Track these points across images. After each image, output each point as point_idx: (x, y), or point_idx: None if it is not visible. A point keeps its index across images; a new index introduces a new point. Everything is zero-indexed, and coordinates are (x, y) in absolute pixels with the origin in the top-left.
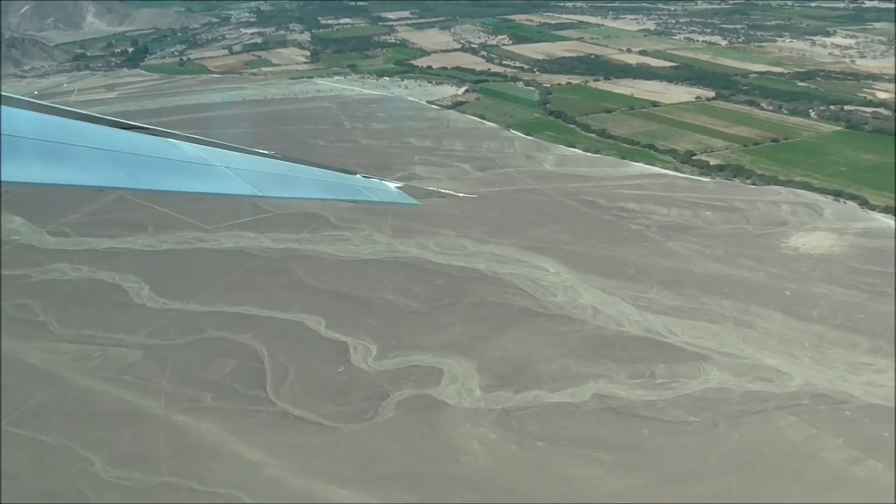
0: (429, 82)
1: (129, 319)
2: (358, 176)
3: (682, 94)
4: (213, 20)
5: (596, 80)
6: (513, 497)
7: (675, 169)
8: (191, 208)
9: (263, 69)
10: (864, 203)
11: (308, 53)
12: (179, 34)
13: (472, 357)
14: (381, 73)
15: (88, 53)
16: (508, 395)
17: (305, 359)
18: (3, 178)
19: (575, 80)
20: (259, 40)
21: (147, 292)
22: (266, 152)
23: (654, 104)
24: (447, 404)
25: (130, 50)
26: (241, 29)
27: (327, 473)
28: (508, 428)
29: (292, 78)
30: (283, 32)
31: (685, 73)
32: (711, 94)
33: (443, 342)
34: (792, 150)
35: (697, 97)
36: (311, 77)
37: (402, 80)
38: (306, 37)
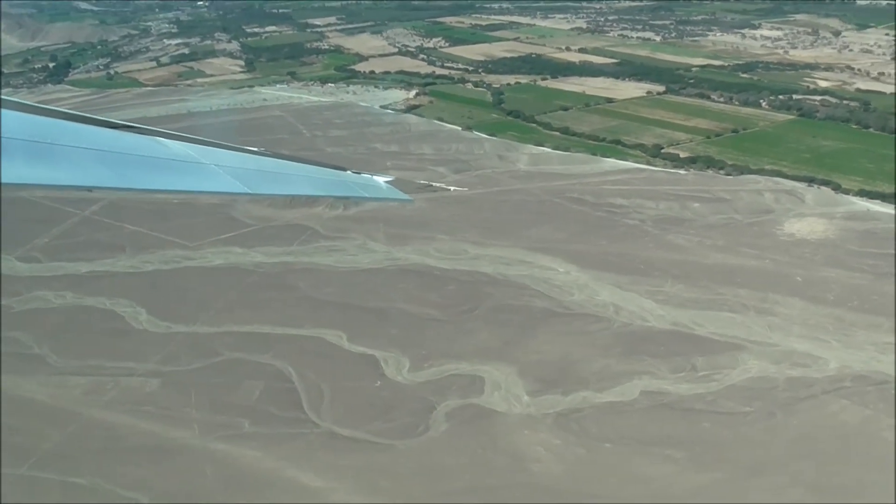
0: (375, 87)
1: (133, 346)
2: (348, 172)
3: (631, 89)
4: (132, 32)
5: (544, 79)
6: (597, 501)
7: (648, 163)
8: (165, 226)
9: (198, 80)
10: (837, 188)
11: (242, 63)
12: (99, 47)
13: (509, 362)
14: (324, 80)
15: (5, 70)
16: (558, 399)
17: (337, 375)
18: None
19: (522, 79)
20: (186, 51)
21: (145, 316)
22: (255, 149)
23: (609, 100)
24: (498, 412)
25: (51, 65)
26: (164, 40)
27: (398, 494)
28: (569, 431)
29: (232, 88)
30: (209, 42)
31: (628, 69)
32: (661, 88)
33: (474, 349)
34: (753, 140)
35: (648, 92)
36: (252, 86)
37: (348, 85)
38: (235, 46)
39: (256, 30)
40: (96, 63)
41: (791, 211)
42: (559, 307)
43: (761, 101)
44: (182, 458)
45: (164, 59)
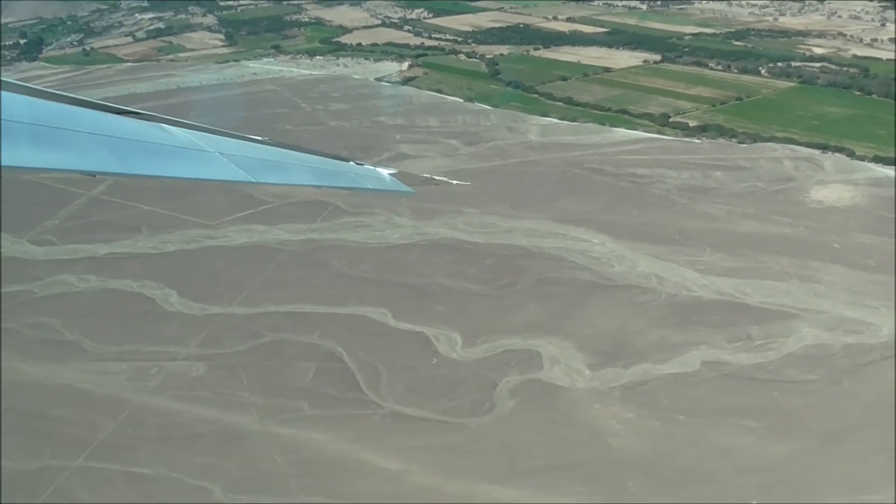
0: (366, 59)
1: (170, 330)
2: (351, 163)
3: (627, 58)
4: (102, 7)
5: (536, 49)
6: (684, 476)
7: (658, 132)
8: (179, 205)
9: (180, 55)
10: (851, 154)
11: (222, 37)
12: (69, 23)
13: (563, 336)
14: (311, 53)
15: None
16: (620, 372)
17: (389, 354)
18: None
19: (515, 49)
20: (162, 25)
21: (176, 298)
22: (259, 138)
23: (606, 70)
24: (562, 387)
25: (23, 42)
26: (136, 14)
27: (479, 473)
28: (640, 404)
29: (217, 62)
30: (184, 16)
31: (620, 38)
32: (657, 57)
33: (524, 323)
34: (759, 108)
35: (644, 61)
36: (238, 60)
37: (338, 58)
38: (211, 19)
39: (231, 2)
40: (69, 39)
41: (812, 178)
42: (602, 279)
43: (760, 68)
44: (247, 443)
45: (140, 35)
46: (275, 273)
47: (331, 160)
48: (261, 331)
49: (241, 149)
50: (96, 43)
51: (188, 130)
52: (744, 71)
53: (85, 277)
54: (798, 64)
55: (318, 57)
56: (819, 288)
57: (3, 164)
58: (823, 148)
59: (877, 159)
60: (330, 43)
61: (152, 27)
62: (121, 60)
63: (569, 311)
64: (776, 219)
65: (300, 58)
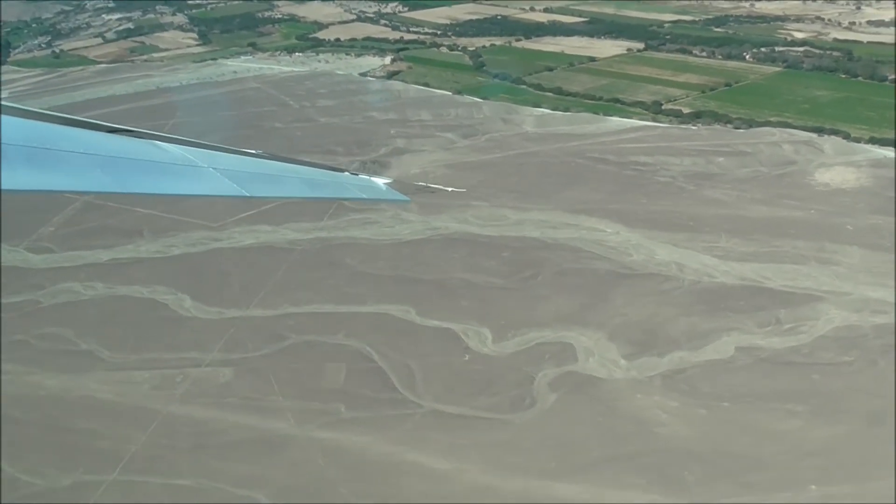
0: (346, 55)
1: (189, 336)
2: (346, 173)
3: (610, 47)
4: (66, 8)
5: (518, 41)
6: (740, 463)
7: (653, 120)
8: (178, 207)
9: (154, 55)
10: (847, 137)
11: (195, 36)
12: (34, 25)
13: (593, 327)
14: (290, 50)
15: None
16: (655, 361)
17: (420, 352)
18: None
19: (496, 41)
20: (131, 26)
21: (190, 303)
22: (253, 151)
23: (591, 59)
24: (600, 378)
25: None
26: (103, 15)
27: (532, 469)
28: (682, 393)
29: (195, 62)
30: (152, 16)
31: (601, 27)
32: (640, 45)
33: (552, 316)
34: (748, 93)
35: (628, 49)
36: (215, 59)
37: (317, 54)
38: (182, 18)
39: (200, 1)
40: (36, 42)
41: (812, 161)
42: (622, 268)
43: (745, 54)
44: (288, 449)
45: (110, 35)
46: (288, 274)
47: (326, 171)
48: (284, 333)
49: (235, 163)
50: (65, 45)
51: (181, 147)
52: (728, 57)
53: (91, 285)
54: (782, 49)
55: (297, 54)
56: (839, 270)
57: (2, 187)
58: (819, 131)
59: (873, 141)
60: (307, 39)
61: (121, 28)
62: (93, 62)
63: (595, 301)
64: (785, 202)
65: (279, 55)
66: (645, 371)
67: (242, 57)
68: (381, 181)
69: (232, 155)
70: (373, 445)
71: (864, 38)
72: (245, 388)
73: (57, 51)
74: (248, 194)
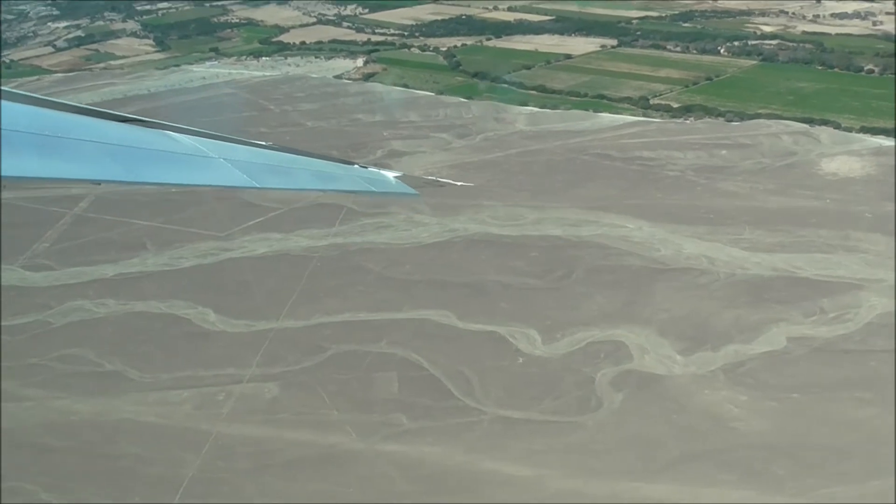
0: (315, 58)
1: (220, 351)
2: (356, 166)
3: (583, 44)
4: (8, 17)
5: (488, 40)
6: (825, 454)
7: (644, 115)
8: (178, 217)
9: (112, 63)
10: (838, 127)
11: (151, 42)
12: None
13: (640, 323)
14: (255, 54)
15: None
16: (711, 355)
17: (470, 357)
18: (2, 173)
19: (467, 41)
20: (81, 34)
21: (214, 316)
22: (263, 143)
23: (567, 56)
24: (660, 375)
25: None
26: (49, 24)
27: (616, 471)
28: (748, 386)
29: (158, 68)
30: (102, 23)
31: (568, 24)
32: (613, 42)
33: (596, 314)
34: (731, 87)
35: (602, 46)
36: (178, 65)
37: (286, 58)
38: (133, 25)
39: (148, 6)
40: None
41: (812, 151)
42: (654, 263)
43: (719, 48)
44: (355, 465)
45: (61, 44)
46: (312, 282)
47: (335, 163)
48: (322, 344)
49: (246, 154)
50: (15, 55)
51: (192, 137)
52: (703, 51)
53: (102, 302)
54: (754, 42)
55: (264, 58)
56: (868, 258)
57: (9, 174)
58: (809, 122)
59: (864, 130)
60: (270, 43)
61: (71, 36)
62: (47, 72)
63: (635, 297)
64: (799, 192)
65: (244, 59)
66: (704, 366)
67: (207, 63)
68: (390, 174)
69: (243, 146)
70: (446, 456)
71: (832, 30)
72: (295, 403)
73: (6, 61)
74: (258, 185)
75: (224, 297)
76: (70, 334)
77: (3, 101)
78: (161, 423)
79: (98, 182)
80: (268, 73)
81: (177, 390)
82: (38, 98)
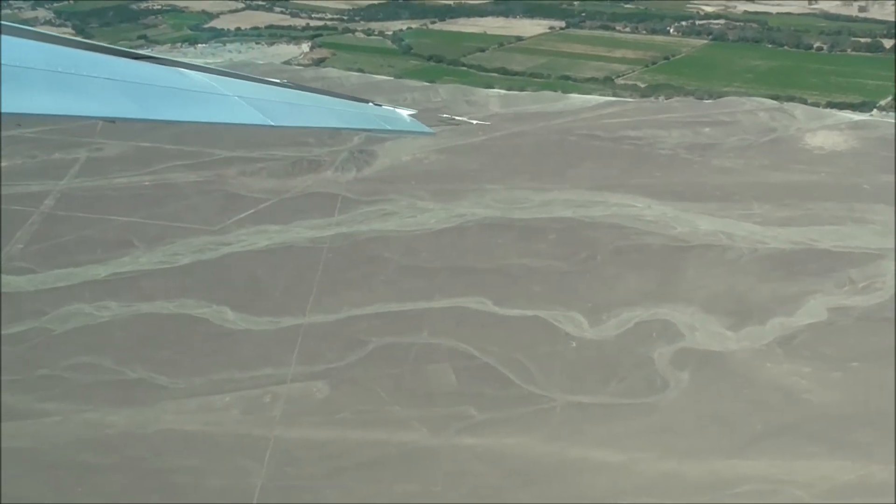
0: (256, 44)
1: (250, 350)
2: (370, 104)
3: (531, 26)
4: None
5: (433, 23)
6: None
7: (614, 95)
8: (161, 212)
9: None
10: (805, 103)
11: (72, 31)
12: None
13: (682, 301)
14: (190, 41)
15: None
16: (760, 329)
17: (520, 343)
18: (14, 110)
19: (411, 24)
20: None
21: (233, 314)
22: (277, 81)
23: (518, 38)
24: (718, 352)
25: None
26: None
27: (706, 450)
28: (807, 358)
29: None
30: (10, 12)
31: (513, 6)
32: (561, 23)
33: (635, 294)
34: (689, 66)
35: (550, 28)
36: None
37: (224, 45)
38: (45, 13)
39: None
40: None
41: (790, 127)
42: (675, 241)
43: (668, 28)
44: (436, 461)
45: None
46: (328, 274)
47: (350, 101)
48: (360, 337)
49: (260, 92)
50: None
51: (206, 74)
52: (653, 32)
53: (103, 305)
54: (701, 22)
55: (201, 45)
56: (877, 228)
57: (23, 111)
58: (776, 99)
59: (830, 105)
60: (202, 30)
61: None
62: None
63: (668, 275)
64: (794, 167)
65: (180, 47)
66: (757, 340)
67: (142, 51)
68: (404, 112)
69: (257, 84)
70: (528, 446)
71: (772, 9)
72: (350, 401)
73: None
74: (273, 123)
75: (237, 294)
76: (76, 341)
77: (13, 38)
78: (210, 431)
79: (113, 120)
80: (210, 61)
81: (216, 395)
82: (51, 35)
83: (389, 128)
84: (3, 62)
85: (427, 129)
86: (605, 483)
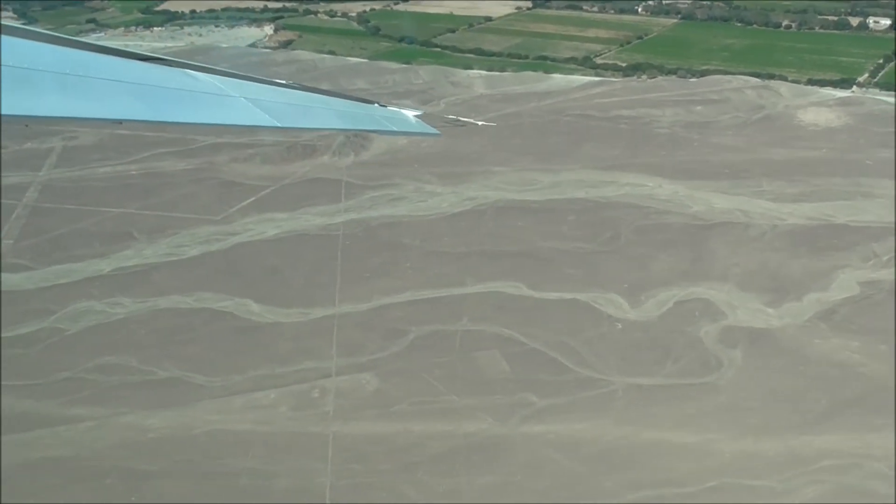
0: (216, 27)
1: (285, 344)
2: (376, 105)
3: (499, 7)
4: None
5: (397, 4)
6: None
7: (596, 74)
8: (157, 202)
9: None
10: (785, 79)
11: (13, 15)
12: None
13: (717, 279)
14: (144, 24)
15: None
16: (798, 305)
17: (566, 327)
18: (21, 112)
19: (374, 5)
20: None
21: (258, 307)
22: (283, 82)
23: (487, 19)
24: (763, 329)
25: None
26: None
27: (778, 427)
28: (852, 332)
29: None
30: None
31: None
32: (528, 3)
33: (668, 273)
34: (664, 45)
35: (517, 8)
36: None
37: (182, 28)
38: None
39: None
40: None
41: (778, 104)
42: (695, 220)
43: (636, 7)
44: (511, 451)
45: None
46: (350, 262)
47: (356, 102)
48: (399, 326)
49: (267, 93)
50: None
51: (213, 76)
52: (622, 11)
53: (115, 301)
54: (668, 2)
55: (156, 28)
56: (886, 202)
57: (32, 114)
58: (757, 76)
59: (811, 82)
60: (154, 12)
61: None
62: None
63: (698, 254)
64: (795, 144)
65: (135, 30)
66: (798, 316)
67: (93, 35)
68: (410, 113)
69: (263, 85)
70: (598, 431)
71: None
72: (404, 392)
73: None
74: (279, 125)
75: (257, 285)
76: (93, 341)
77: (21, 40)
78: (262, 430)
79: (120, 121)
80: (171, 45)
81: (260, 392)
82: (59, 37)
83: (395, 129)
84: (10, 64)
85: (433, 131)
86: (688, 465)
